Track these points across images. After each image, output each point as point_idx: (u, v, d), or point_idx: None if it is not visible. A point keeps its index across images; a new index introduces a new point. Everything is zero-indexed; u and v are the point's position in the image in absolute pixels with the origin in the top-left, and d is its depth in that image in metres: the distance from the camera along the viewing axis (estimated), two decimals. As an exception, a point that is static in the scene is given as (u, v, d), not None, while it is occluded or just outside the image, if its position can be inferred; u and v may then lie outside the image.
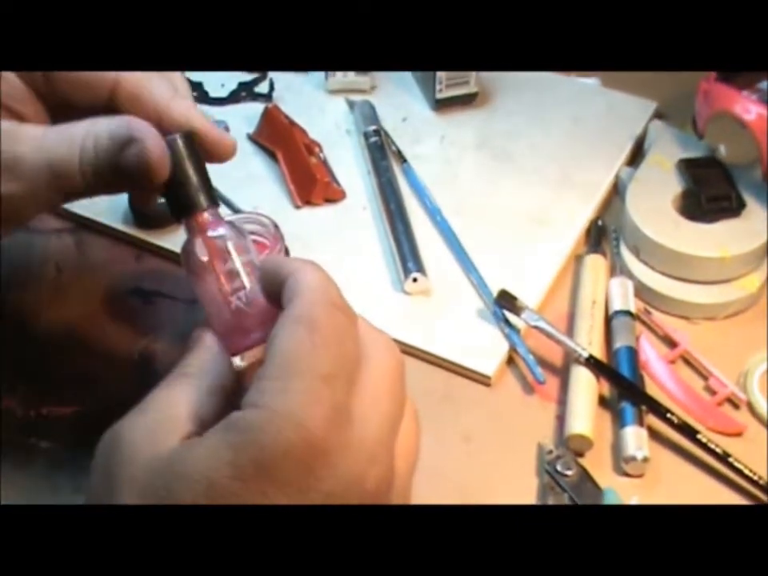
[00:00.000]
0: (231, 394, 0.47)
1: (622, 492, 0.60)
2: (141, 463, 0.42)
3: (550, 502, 0.60)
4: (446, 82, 0.86)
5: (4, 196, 0.49)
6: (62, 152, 0.49)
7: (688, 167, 0.75)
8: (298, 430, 0.41)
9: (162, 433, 0.43)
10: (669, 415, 0.63)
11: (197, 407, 0.45)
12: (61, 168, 0.49)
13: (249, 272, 0.49)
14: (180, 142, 0.50)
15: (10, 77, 0.52)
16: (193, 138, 0.51)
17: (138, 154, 0.48)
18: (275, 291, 0.47)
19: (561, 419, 0.65)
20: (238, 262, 0.49)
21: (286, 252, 0.69)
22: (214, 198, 0.51)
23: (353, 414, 0.43)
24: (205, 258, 0.49)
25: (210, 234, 0.50)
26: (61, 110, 0.54)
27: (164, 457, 0.42)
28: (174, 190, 0.50)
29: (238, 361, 0.49)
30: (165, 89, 0.53)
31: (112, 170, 0.49)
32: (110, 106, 0.53)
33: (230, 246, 0.49)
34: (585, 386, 0.65)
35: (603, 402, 0.66)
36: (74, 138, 0.49)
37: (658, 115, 0.86)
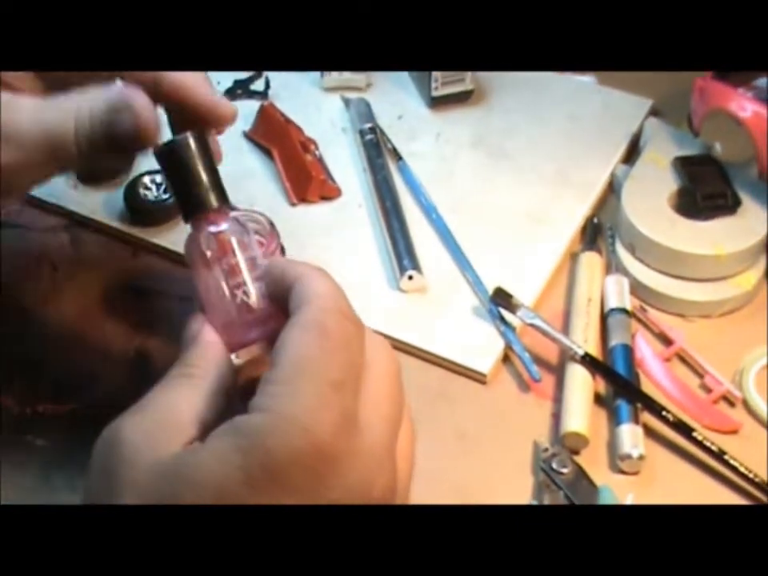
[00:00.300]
0: (231, 393, 0.47)
1: (618, 490, 0.60)
2: (142, 466, 0.42)
3: (546, 500, 0.60)
4: (442, 80, 0.86)
5: (2, 166, 0.50)
6: (58, 121, 0.50)
7: (683, 165, 0.75)
8: (306, 436, 0.41)
9: (164, 437, 0.43)
10: (664, 413, 0.63)
11: (200, 411, 0.45)
12: (57, 137, 0.50)
13: (252, 269, 0.49)
14: (191, 141, 0.50)
15: None
16: (204, 136, 0.51)
17: (130, 117, 0.49)
18: (280, 294, 0.47)
19: (556, 417, 0.65)
20: (241, 258, 0.49)
21: (282, 249, 0.68)
22: (225, 197, 0.51)
23: (359, 420, 0.43)
24: (209, 252, 0.49)
25: (215, 228, 0.50)
26: (58, 84, 0.53)
27: (168, 461, 0.42)
28: (183, 188, 0.50)
29: (234, 357, 0.49)
30: None
31: (106, 137, 0.50)
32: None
33: (234, 241, 0.50)
34: (580, 384, 0.65)
35: (599, 399, 0.66)
36: (70, 108, 0.50)
37: (654, 113, 0.86)
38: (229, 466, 0.40)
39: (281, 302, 0.47)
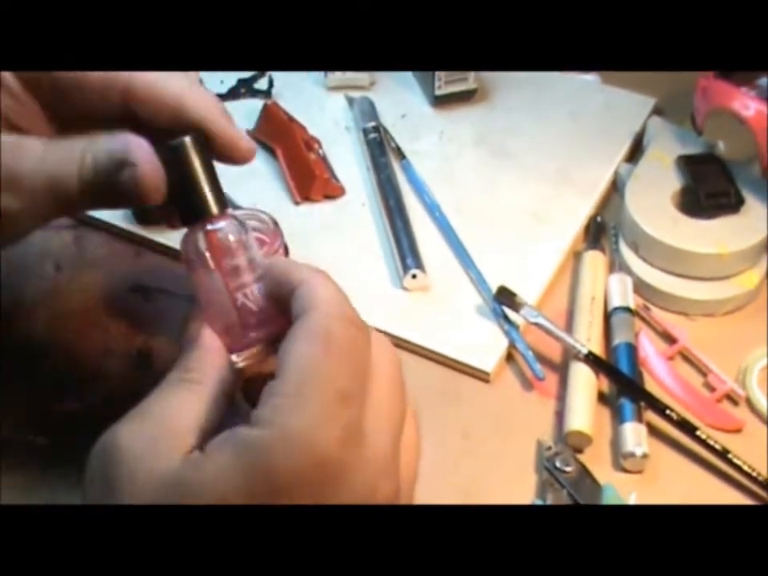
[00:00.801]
0: (232, 395, 0.47)
1: (621, 488, 0.60)
2: (142, 477, 0.41)
3: (549, 498, 0.60)
4: (445, 79, 0.86)
5: (3, 210, 0.48)
6: (62, 167, 0.48)
7: (687, 163, 0.75)
8: (310, 451, 0.40)
9: (164, 445, 0.42)
10: (668, 411, 0.63)
11: (200, 417, 0.44)
12: (60, 183, 0.48)
13: (251, 268, 0.48)
14: (189, 145, 0.48)
15: (16, 90, 0.51)
16: (204, 139, 0.49)
17: (132, 176, 0.47)
18: (282, 296, 0.46)
19: (560, 415, 0.65)
20: (240, 257, 0.48)
21: (285, 249, 0.68)
22: (223, 203, 0.49)
23: (365, 429, 0.43)
24: (206, 251, 0.48)
25: (211, 227, 0.48)
26: (69, 122, 0.52)
27: (168, 473, 0.41)
28: (181, 194, 0.48)
29: (234, 358, 0.48)
30: (179, 80, 0.51)
31: (109, 188, 0.48)
32: (124, 110, 0.51)
33: (232, 239, 0.48)
34: (584, 383, 0.65)
35: (602, 398, 0.66)
36: (74, 154, 0.48)
37: (657, 111, 0.86)
38: (231, 481, 0.40)
39: (282, 303, 0.46)
